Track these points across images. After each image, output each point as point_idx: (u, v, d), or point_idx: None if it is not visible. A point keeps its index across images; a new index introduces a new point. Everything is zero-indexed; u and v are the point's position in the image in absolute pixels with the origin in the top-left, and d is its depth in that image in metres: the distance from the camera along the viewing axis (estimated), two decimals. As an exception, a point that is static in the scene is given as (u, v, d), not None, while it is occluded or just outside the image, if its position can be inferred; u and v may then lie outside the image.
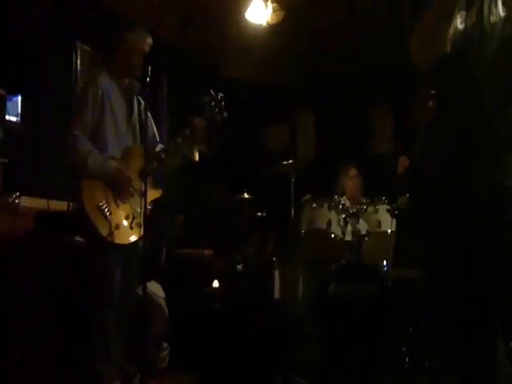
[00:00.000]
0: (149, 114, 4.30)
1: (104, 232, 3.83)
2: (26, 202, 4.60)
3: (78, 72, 5.87)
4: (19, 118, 5.14)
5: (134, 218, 4.01)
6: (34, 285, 4.33)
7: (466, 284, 2.33)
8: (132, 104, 4.18)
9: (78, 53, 5.93)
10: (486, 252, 2.30)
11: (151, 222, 4.51)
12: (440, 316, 2.44)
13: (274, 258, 6.14)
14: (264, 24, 6.53)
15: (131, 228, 4.00)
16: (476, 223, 2.31)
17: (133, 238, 4.00)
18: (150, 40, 4.14)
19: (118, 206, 3.97)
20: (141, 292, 3.93)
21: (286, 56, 8.38)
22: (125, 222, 3.98)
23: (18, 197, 4.47)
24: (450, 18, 2.34)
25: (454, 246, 2.35)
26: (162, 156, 4.18)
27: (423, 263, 2.54)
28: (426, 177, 2.52)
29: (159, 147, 4.32)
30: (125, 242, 3.95)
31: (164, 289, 5.02)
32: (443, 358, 2.49)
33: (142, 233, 4.00)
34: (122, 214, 3.98)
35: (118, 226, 3.90)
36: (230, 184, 7.43)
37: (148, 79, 3.94)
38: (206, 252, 6.46)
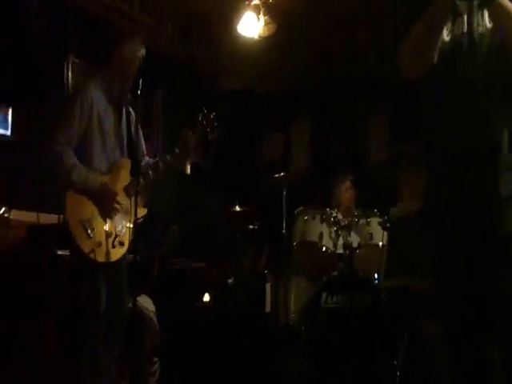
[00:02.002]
0: (139, 127, 4.24)
1: (86, 249, 3.75)
2: (16, 215, 4.58)
3: (70, 85, 5.85)
4: (10, 131, 5.14)
5: (116, 236, 3.92)
6: (24, 298, 4.33)
7: (471, 285, 2.34)
8: (121, 116, 4.10)
9: (70, 65, 5.92)
10: (487, 256, 2.32)
11: (144, 233, 4.51)
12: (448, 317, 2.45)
13: (266, 271, 6.13)
14: (256, 37, 6.52)
15: (113, 247, 3.89)
16: (476, 229, 2.33)
17: (114, 257, 3.90)
18: (143, 51, 4.06)
19: (101, 222, 3.87)
20: (131, 306, 3.91)
21: (281, 66, 8.39)
22: (107, 240, 3.87)
23: (8, 210, 4.46)
24: (440, 28, 2.36)
25: (458, 246, 2.37)
26: (150, 173, 4.09)
27: (433, 264, 2.54)
28: (431, 181, 2.54)
29: (144, 161, 4.26)
30: (106, 260, 3.85)
31: (156, 301, 5.00)
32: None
33: (125, 251, 3.94)
34: (105, 231, 3.87)
35: (99, 244, 3.80)
36: (223, 196, 7.43)
37: (139, 92, 3.89)
38: (199, 265, 6.46)
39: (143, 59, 4.05)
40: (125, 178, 3.98)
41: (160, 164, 4.14)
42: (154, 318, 4.85)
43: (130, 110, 4.16)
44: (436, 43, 2.39)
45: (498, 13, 2.35)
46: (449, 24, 2.43)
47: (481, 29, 2.42)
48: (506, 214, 2.34)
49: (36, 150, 5.33)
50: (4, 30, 5.28)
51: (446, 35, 2.43)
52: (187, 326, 5.73)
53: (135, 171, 3.91)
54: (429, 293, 2.61)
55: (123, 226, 3.96)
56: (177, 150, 4.15)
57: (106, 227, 3.89)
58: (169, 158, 4.14)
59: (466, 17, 2.44)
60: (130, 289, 4.07)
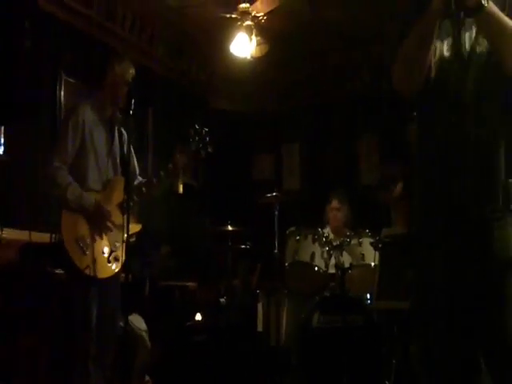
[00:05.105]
0: (131, 147, 4.30)
1: (81, 265, 3.79)
2: (8, 233, 4.58)
3: (62, 103, 5.86)
4: (2, 150, 5.14)
5: (112, 252, 3.97)
6: (16, 315, 4.32)
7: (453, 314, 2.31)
8: (113, 135, 4.17)
9: (62, 84, 5.93)
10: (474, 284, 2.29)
11: (136, 253, 4.52)
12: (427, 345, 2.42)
13: (257, 291, 6.12)
14: (248, 57, 6.55)
15: (109, 262, 3.95)
16: (465, 255, 2.31)
17: (110, 272, 3.95)
18: (133, 71, 4.14)
19: (96, 239, 3.93)
20: (123, 325, 3.91)
21: (271, 87, 8.44)
22: (103, 256, 3.93)
23: (0, 228, 4.46)
24: (429, 45, 2.34)
25: (446, 271, 2.34)
26: (143, 189, 4.16)
27: (414, 292, 2.51)
28: (420, 205, 2.52)
29: (137, 181, 4.31)
30: (102, 276, 3.90)
31: (147, 321, 4.99)
32: None
33: (120, 267, 3.97)
34: (100, 247, 3.94)
35: (95, 260, 3.85)
36: (215, 215, 7.43)
37: (131, 112, 3.94)
38: (190, 284, 6.44)
39: (133, 79, 4.13)
40: (119, 195, 4.01)
41: (154, 180, 4.22)
42: (146, 337, 4.85)
43: (122, 130, 4.24)
44: (426, 57, 2.34)
45: (488, 24, 2.26)
46: (450, 40, 2.39)
47: (480, 48, 2.39)
48: (499, 236, 2.31)
49: (29, 169, 5.34)
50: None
51: (445, 51, 2.40)
52: (179, 344, 5.72)
53: (128, 189, 3.91)
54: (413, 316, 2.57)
55: (118, 242, 3.99)
56: (170, 166, 4.21)
57: (101, 244, 3.95)
58: (162, 173, 4.21)
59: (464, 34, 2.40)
60: (121, 308, 4.06)
